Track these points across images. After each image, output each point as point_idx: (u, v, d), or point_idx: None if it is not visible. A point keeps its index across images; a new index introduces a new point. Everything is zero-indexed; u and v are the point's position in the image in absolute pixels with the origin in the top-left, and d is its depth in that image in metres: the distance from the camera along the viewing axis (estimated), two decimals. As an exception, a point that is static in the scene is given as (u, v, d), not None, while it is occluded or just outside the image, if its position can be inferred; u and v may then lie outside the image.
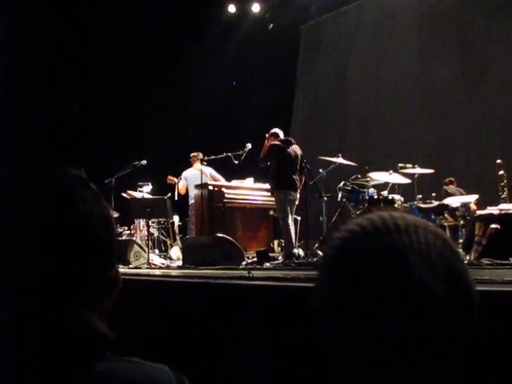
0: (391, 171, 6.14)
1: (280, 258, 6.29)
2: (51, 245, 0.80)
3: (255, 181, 7.77)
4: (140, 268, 5.97)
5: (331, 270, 0.74)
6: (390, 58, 9.21)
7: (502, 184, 5.53)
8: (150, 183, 7.93)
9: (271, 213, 7.43)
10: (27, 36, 6.81)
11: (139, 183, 7.84)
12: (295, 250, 6.00)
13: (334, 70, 10.28)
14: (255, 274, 3.55)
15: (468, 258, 4.27)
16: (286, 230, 6.19)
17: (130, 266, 6.20)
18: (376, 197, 6.09)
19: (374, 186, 6.29)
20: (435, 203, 5.72)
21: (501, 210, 4.73)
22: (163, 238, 8.06)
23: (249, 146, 6.96)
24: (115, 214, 6.79)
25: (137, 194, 7.63)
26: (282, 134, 6.68)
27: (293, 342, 2.49)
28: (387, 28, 9.36)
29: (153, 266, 6.01)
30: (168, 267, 6.16)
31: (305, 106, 10.88)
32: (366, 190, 6.19)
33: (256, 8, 10.44)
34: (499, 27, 7.90)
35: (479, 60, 8.11)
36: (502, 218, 4.52)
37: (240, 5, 10.44)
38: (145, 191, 7.79)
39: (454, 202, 5.62)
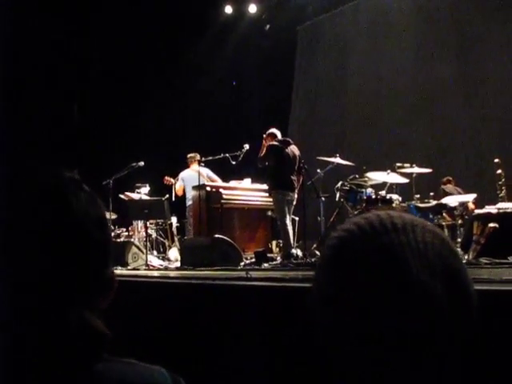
0: (389, 171, 6.14)
1: (278, 258, 6.29)
2: (49, 245, 0.80)
3: (253, 181, 7.77)
4: (138, 269, 5.96)
5: (328, 270, 0.73)
6: (388, 57, 9.22)
7: (500, 183, 5.54)
8: (147, 185, 7.93)
9: (269, 213, 7.43)
10: (27, 36, 6.81)
11: (137, 184, 7.84)
12: (293, 251, 6.00)
13: (331, 70, 10.30)
14: (253, 274, 3.56)
15: (466, 257, 4.27)
16: (284, 230, 6.18)
17: (129, 267, 6.20)
18: (374, 197, 6.08)
19: (372, 186, 6.29)
20: (433, 203, 5.71)
21: (499, 208, 4.74)
22: (161, 240, 8.06)
23: (246, 146, 6.98)
24: (113, 216, 6.77)
25: (135, 196, 7.62)
26: (279, 134, 6.68)
27: (291, 343, 2.49)
28: (384, 28, 9.38)
29: (151, 268, 6.00)
30: (166, 268, 6.16)
31: (302, 107, 10.89)
32: (363, 189, 6.18)
33: (253, 9, 10.45)
34: (498, 28, 7.91)
35: (477, 60, 8.12)
36: (500, 216, 4.53)
37: (237, 6, 10.45)
38: (143, 192, 7.79)
39: (452, 201, 5.60)
